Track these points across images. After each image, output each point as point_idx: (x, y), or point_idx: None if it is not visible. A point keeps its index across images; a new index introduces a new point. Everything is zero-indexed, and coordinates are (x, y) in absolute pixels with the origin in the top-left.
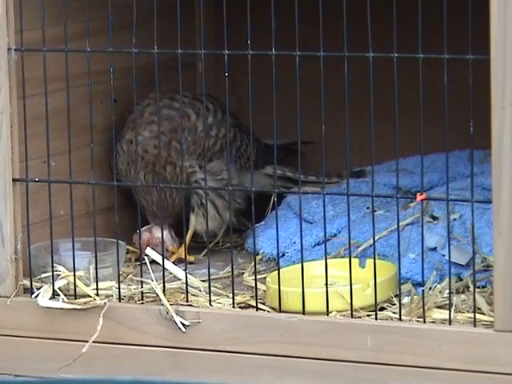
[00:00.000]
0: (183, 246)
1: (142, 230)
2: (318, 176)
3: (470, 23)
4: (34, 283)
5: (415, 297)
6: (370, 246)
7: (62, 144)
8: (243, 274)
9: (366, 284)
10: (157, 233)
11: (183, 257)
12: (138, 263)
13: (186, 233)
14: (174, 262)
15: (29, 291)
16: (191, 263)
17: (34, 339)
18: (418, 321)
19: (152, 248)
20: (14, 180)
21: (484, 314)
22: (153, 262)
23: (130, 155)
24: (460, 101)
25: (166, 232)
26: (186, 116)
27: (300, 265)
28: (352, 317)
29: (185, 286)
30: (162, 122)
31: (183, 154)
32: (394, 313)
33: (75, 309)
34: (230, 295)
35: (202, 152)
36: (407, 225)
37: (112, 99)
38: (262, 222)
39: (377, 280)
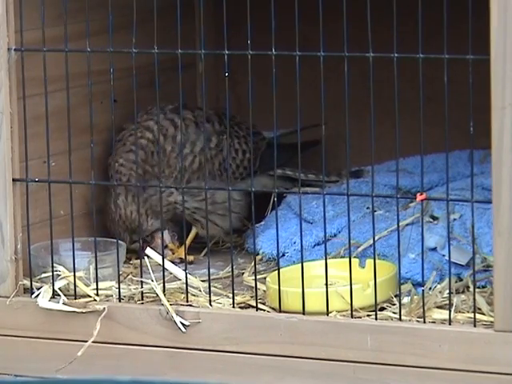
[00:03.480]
0: (183, 246)
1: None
2: (317, 175)
3: (470, 23)
4: (34, 283)
5: (415, 297)
6: (370, 246)
7: (62, 144)
8: (243, 274)
9: (366, 284)
10: (158, 233)
11: (183, 256)
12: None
13: (187, 235)
14: (173, 262)
15: (29, 291)
16: (191, 263)
17: (34, 339)
18: (418, 321)
19: (152, 248)
20: (14, 180)
21: (484, 314)
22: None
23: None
24: (460, 101)
25: (165, 231)
26: (155, 141)
27: (300, 265)
28: (352, 317)
29: (185, 285)
30: (139, 152)
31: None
32: (394, 313)
33: (75, 311)
34: (230, 295)
35: (179, 174)
36: (407, 225)
37: (112, 99)
38: (262, 222)
39: (377, 280)
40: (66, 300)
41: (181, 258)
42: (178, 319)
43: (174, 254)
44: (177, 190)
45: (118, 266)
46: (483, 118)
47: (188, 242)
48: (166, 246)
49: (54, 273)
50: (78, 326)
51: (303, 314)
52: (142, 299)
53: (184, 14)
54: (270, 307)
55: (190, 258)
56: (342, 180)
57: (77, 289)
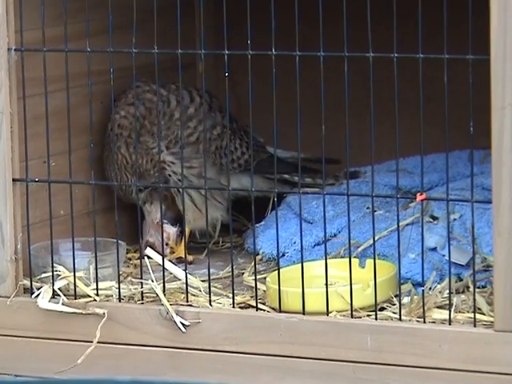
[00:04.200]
0: (182, 245)
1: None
2: (314, 178)
3: (470, 23)
4: (34, 283)
5: (415, 297)
6: (370, 246)
7: (62, 144)
8: (243, 274)
9: (366, 284)
10: (166, 229)
11: (182, 256)
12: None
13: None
14: (172, 261)
15: (29, 291)
16: (190, 263)
17: (34, 339)
18: (418, 321)
19: (152, 248)
20: (14, 180)
21: (484, 314)
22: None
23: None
24: (460, 101)
25: (174, 228)
26: (167, 101)
27: (300, 265)
28: (352, 317)
29: (185, 285)
30: (139, 106)
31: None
32: (394, 313)
33: (75, 312)
34: (230, 295)
35: (174, 139)
36: (407, 225)
37: (112, 99)
38: (262, 222)
39: (377, 280)
40: (66, 300)
41: (180, 258)
42: (178, 319)
43: (173, 253)
44: (167, 151)
45: (118, 266)
46: (483, 117)
47: (185, 240)
48: (167, 244)
49: (54, 273)
50: (78, 327)
51: (303, 314)
52: (142, 299)
53: (184, 14)
54: (270, 307)
55: (190, 257)
56: (338, 183)
57: (77, 289)
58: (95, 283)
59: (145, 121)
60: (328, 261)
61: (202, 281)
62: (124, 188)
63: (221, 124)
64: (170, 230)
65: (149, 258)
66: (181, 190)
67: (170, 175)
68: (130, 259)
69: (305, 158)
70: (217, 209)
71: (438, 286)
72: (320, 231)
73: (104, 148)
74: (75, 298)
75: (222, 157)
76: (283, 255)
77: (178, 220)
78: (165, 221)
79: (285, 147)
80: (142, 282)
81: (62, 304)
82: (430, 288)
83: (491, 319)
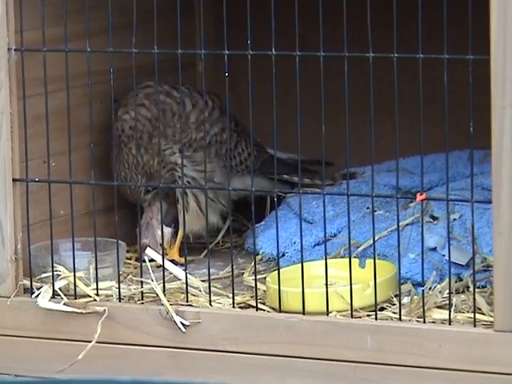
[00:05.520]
0: (175, 247)
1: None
2: (312, 179)
3: (470, 23)
4: (34, 283)
5: (415, 297)
6: (370, 246)
7: (62, 144)
8: (243, 274)
9: (366, 284)
10: (160, 231)
11: (175, 258)
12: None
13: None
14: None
15: (29, 291)
16: (182, 265)
17: (34, 339)
18: (418, 321)
19: (152, 248)
20: (14, 180)
21: (484, 314)
22: (151, 261)
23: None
24: (460, 101)
25: (168, 229)
26: (182, 104)
27: (300, 265)
28: (352, 317)
29: (185, 286)
30: (151, 108)
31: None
32: (394, 313)
33: (75, 312)
34: (230, 295)
35: (188, 143)
36: (407, 225)
37: (112, 99)
38: (262, 222)
39: (377, 280)
40: (66, 300)
41: (172, 260)
42: (178, 319)
43: (166, 254)
44: (179, 153)
45: (118, 266)
46: (483, 117)
47: (178, 243)
48: (161, 245)
49: (54, 273)
50: (79, 326)
51: (303, 314)
52: (142, 299)
53: (184, 13)
54: (270, 307)
55: (182, 260)
56: (337, 183)
57: (77, 289)
58: (95, 283)
59: (157, 123)
60: (328, 261)
61: (202, 281)
62: (133, 188)
63: (228, 128)
64: (165, 230)
65: (151, 259)
66: (186, 192)
67: (179, 177)
68: (130, 258)
69: (302, 160)
70: (215, 213)
71: (438, 286)
72: (320, 231)
73: (113, 148)
74: (75, 298)
75: (231, 159)
76: (283, 255)
77: (175, 221)
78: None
79: (283, 149)
80: (142, 282)
81: (62, 304)
82: (430, 288)
83: (491, 319)
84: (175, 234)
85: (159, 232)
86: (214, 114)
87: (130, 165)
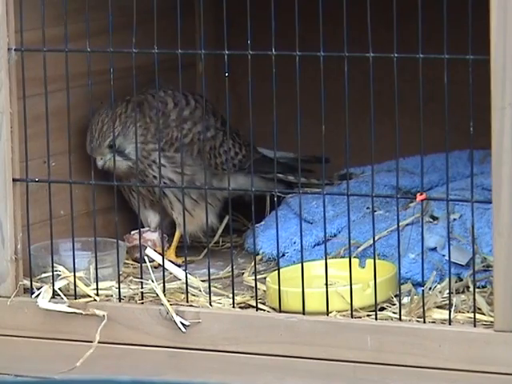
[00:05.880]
0: (171, 248)
1: (132, 232)
2: (308, 178)
3: (470, 23)
4: (34, 283)
5: (415, 297)
6: (370, 246)
7: (62, 144)
8: (243, 274)
9: (366, 284)
10: (148, 235)
11: (171, 259)
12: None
13: (172, 235)
14: (156, 267)
15: (29, 291)
16: (179, 266)
17: (34, 339)
18: (418, 321)
19: (152, 248)
20: (14, 180)
21: (484, 314)
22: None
23: None
24: (460, 101)
25: (156, 234)
26: (164, 103)
27: (300, 265)
28: (352, 317)
29: (185, 286)
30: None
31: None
32: (394, 313)
33: (75, 313)
34: (230, 295)
35: (170, 141)
36: (407, 225)
37: (112, 99)
38: (262, 222)
39: (377, 280)
40: (66, 300)
41: (169, 261)
42: (178, 319)
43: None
44: (162, 152)
45: (118, 266)
46: (483, 117)
47: (174, 244)
48: (155, 250)
49: (54, 273)
50: (79, 327)
51: (303, 314)
52: (142, 299)
53: (184, 13)
54: (270, 307)
55: (179, 260)
56: (334, 183)
57: (77, 289)
58: (95, 283)
59: (146, 117)
60: (328, 261)
61: (202, 281)
62: (102, 135)
63: (213, 126)
64: (153, 237)
65: (149, 259)
66: (166, 192)
67: (155, 176)
68: (128, 259)
69: (295, 158)
70: (209, 213)
71: (438, 286)
72: (320, 231)
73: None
74: (75, 298)
75: (216, 157)
76: (283, 255)
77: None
78: (146, 228)
79: (283, 148)
80: (142, 282)
81: (63, 304)
82: (430, 288)
83: (491, 319)
84: (164, 236)
85: (151, 239)
86: (196, 113)
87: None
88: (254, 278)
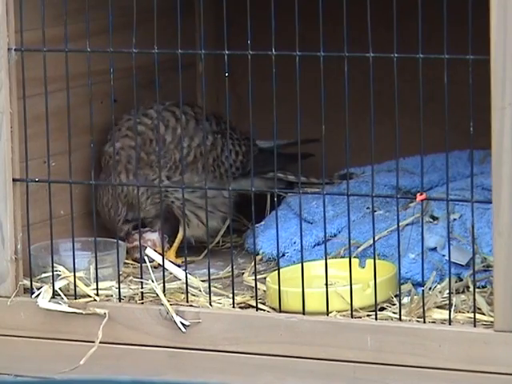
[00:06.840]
0: (172, 249)
1: (132, 232)
2: (308, 177)
3: (470, 23)
4: (34, 283)
5: (415, 297)
6: (370, 246)
7: (62, 144)
8: (243, 274)
9: (366, 284)
10: (148, 235)
11: (171, 259)
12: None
13: (174, 236)
14: (156, 267)
15: (29, 291)
16: (179, 266)
17: (35, 339)
18: (418, 321)
19: (152, 248)
20: (14, 180)
21: (484, 314)
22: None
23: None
24: (460, 101)
25: (156, 234)
26: (155, 129)
27: (300, 265)
28: (352, 317)
29: (185, 286)
30: (133, 137)
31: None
32: (394, 313)
33: (75, 313)
34: (230, 295)
35: (174, 165)
36: (407, 225)
37: (112, 99)
38: (262, 222)
39: (377, 280)
40: (66, 300)
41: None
42: (178, 319)
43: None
44: (168, 180)
45: (118, 266)
46: (483, 117)
47: (176, 245)
48: (155, 250)
49: (54, 273)
50: (79, 327)
51: (303, 314)
52: (142, 299)
53: (184, 13)
54: (270, 307)
55: (178, 261)
56: (335, 183)
57: (77, 289)
58: (95, 283)
59: (141, 152)
60: (328, 261)
61: (202, 281)
62: (112, 215)
63: (210, 132)
64: (153, 237)
65: (149, 259)
66: (186, 212)
67: (173, 201)
68: (128, 259)
69: (284, 144)
70: (216, 219)
71: (438, 286)
72: (320, 231)
73: (101, 173)
74: (75, 298)
75: (219, 166)
76: (283, 255)
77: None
78: (146, 228)
79: (266, 138)
80: (142, 282)
81: (63, 304)
82: (430, 288)
83: (491, 319)
84: (164, 236)
85: (151, 240)
86: (189, 126)
87: (115, 190)
88: (254, 277)
